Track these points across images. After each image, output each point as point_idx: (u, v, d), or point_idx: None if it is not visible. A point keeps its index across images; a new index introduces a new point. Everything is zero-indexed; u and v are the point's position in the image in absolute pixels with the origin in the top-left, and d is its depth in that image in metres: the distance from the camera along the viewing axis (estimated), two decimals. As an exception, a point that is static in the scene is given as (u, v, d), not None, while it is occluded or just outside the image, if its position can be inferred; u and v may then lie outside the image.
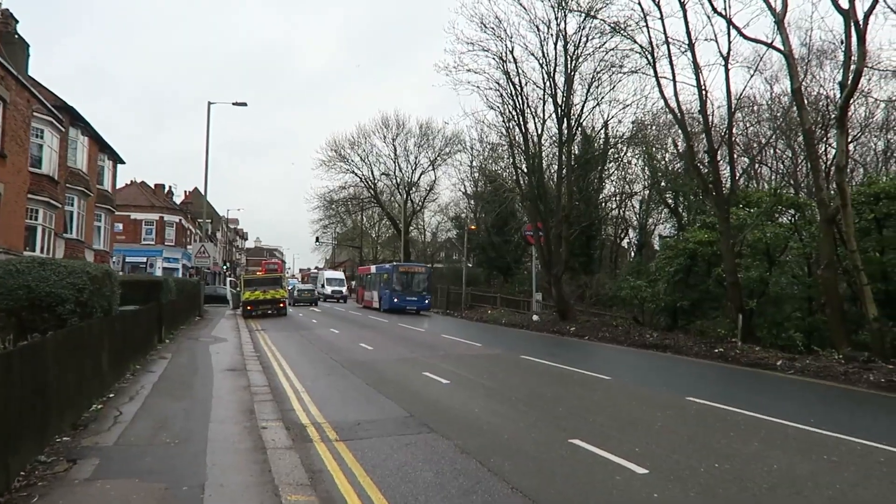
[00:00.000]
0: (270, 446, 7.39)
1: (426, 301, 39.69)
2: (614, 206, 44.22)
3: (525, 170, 32.36)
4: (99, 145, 32.68)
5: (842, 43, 18.05)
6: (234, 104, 33.00)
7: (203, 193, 34.76)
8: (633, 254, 47.51)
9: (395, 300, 38.58)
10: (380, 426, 8.77)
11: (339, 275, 63.44)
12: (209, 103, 32.39)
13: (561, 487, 6.21)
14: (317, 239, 73.94)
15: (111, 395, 10.14)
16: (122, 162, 38.27)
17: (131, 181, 56.95)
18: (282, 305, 34.18)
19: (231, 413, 9.25)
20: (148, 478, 6.15)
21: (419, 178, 61.12)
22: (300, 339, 22.08)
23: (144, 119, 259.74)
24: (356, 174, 61.43)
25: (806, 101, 20.66)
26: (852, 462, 7.26)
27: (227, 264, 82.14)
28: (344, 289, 58.80)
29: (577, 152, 34.74)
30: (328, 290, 56.90)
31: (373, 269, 48.05)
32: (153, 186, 60.09)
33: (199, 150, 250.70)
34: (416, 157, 60.46)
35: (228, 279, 63.64)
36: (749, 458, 7.37)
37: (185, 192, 74.91)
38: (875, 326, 15.96)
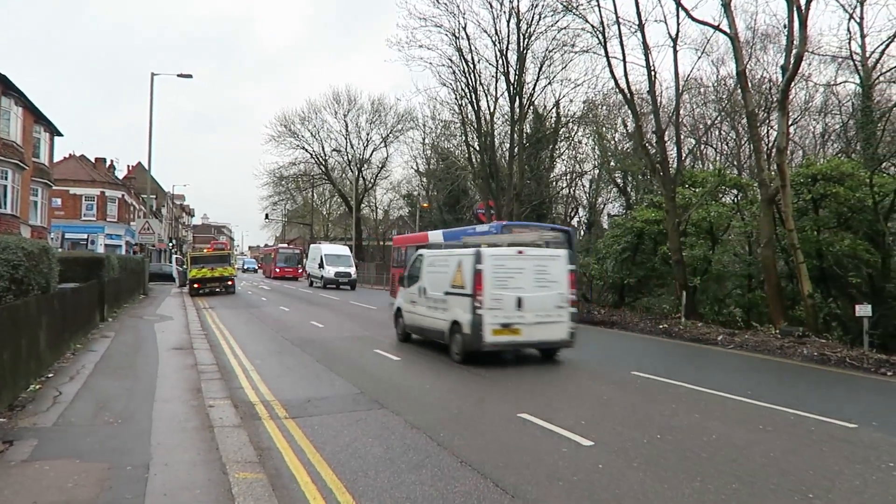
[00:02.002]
0: (218, 424, 7.29)
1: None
2: (565, 184, 44.70)
3: (477, 147, 32.45)
4: (35, 116, 31.26)
5: (785, 27, 18.55)
6: (178, 76, 32.03)
7: (147, 168, 33.68)
8: (582, 232, 48.24)
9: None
10: (330, 403, 8.75)
11: (344, 250, 43.35)
12: (152, 74, 31.27)
13: (509, 460, 6.32)
14: (266, 216, 72.66)
15: (50, 376, 9.82)
16: (60, 134, 36.78)
17: (70, 154, 54.65)
18: (230, 283, 33.57)
19: (177, 392, 9.08)
20: (89, 458, 6.00)
21: (371, 155, 60.59)
22: (249, 317, 21.76)
23: (98, 93, 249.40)
24: (307, 150, 60.51)
25: (750, 84, 21.19)
26: (785, 431, 7.60)
27: (173, 241, 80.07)
28: (353, 270, 40.66)
29: (528, 131, 34.97)
30: (329, 271, 39.52)
31: (438, 237, 25.36)
32: (93, 160, 57.80)
33: (161, 124, 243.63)
34: (367, 134, 59.86)
35: (174, 256, 62.10)
36: (689, 428, 7.63)
37: (129, 166, 72.42)
38: (809, 303, 16.66)
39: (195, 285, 31.92)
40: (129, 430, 7.06)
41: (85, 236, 49.79)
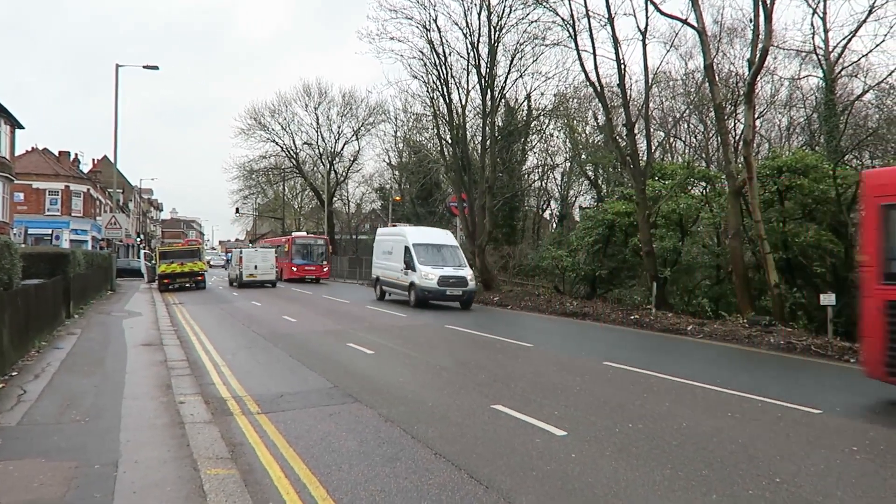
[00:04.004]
0: (189, 421, 7.20)
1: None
2: (537, 177, 44.94)
3: (449, 140, 32.34)
4: (-6, 108, 30.41)
5: (751, 21, 18.85)
6: (144, 67, 31.32)
7: (113, 162, 33.02)
8: (554, 225, 48.58)
9: None
10: (303, 398, 8.69)
11: (444, 235, 26.19)
12: (117, 66, 30.61)
13: (483, 451, 6.35)
14: (237, 210, 71.71)
15: (14, 374, 9.59)
16: (21, 127, 35.87)
17: (33, 148, 53.23)
18: (200, 278, 33.08)
19: (146, 388, 8.94)
20: (55, 457, 5.88)
21: (342, 148, 60.04)
22: (220, 312, 21.50)
23: (75, 87, 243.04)
24: (277, 143, 59.70)
25: (717, 78, 21.48)
26: (753, 418, 7.76)
27: (141, 236, 78.70)
28: (469, 274, 23.68)
29: (500, 124, 34.97)
30: (429, 275, 22.47)
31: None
32: (57, 154, 56.45)
33: (125, 117, 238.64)
34: (339, 127, 59.25)
35: (142, 251, 61.00)
36: (660, 417, 7.74)
37: (94, 160, 70.93)
38: (776, 292, 16.99)
39: (164, 281, 31.41)
40: (97, 427, 6.93)
41: (49, 231, 48.63)
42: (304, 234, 48.03)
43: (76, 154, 60.74)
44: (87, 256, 24.87)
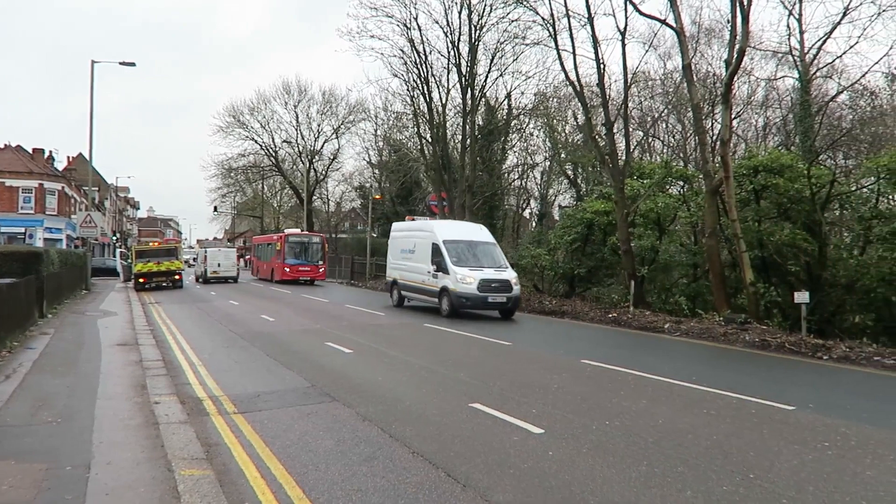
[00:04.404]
0: (164, 421, 7.12)
1: None
2: (516, 176, 45.02)
3: (429, 139, 32.37)
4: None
5: (728, 22, 19.04)
6: (120, 63, 30.90)
7: (88, 159, 32.52)
8: (534, 223, 48.73)
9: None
10: (280, 397, 8.63)
11: (479, 230, 22.10)
12: (92, 62, 30.12)
13: (460, 450, 6.35)
14: (215, 209, 71.06)
15: (-16, 375, 9.41)
16: (-7, 123, 35.13)
17: (6, 145, 52.28)
18: (178, 277, 32.73)
19: (121, 389, 8.82)
20: (26, 459, 5.77)
21: (322, 147, 59.67)
22: (198, 311, 21.28)
23: (50, 84, 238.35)
24: (256, 141, 59.20)
25: (695, 78, 21.68)
26: (728, 414, 7.84)
27: (117, 235, 77.64)
28: (514, 277, 19.68)
29: (480, 123, 35.04)
30: (466, 279, 18.82)
31: None
32: (31, 151, 55.45)
33: (102, 115, 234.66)
34: (319, 125, 58.86)
35: (118, 250, 60.16)
36: (637, 414, 7.80)
37: (69, 157, 69.79)
38: (751, 290, 17.21)
39: (140, 280, 31.03)
40: (70, 429, 6.82)
41: (22, 230, 47.80)
42: (298, 230, 44.32)
43: (50, 151, 59.71)
44: (62, 255, 24.50)
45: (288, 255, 37.47)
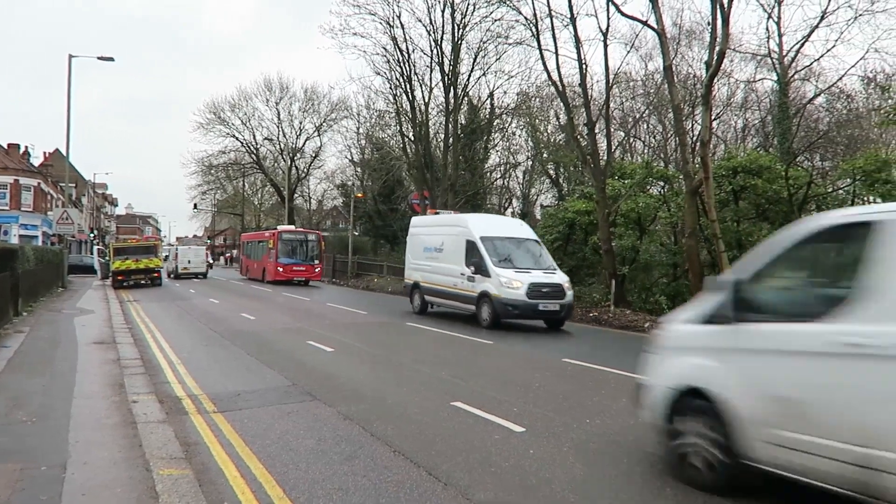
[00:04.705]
0: (141, 420, 7.03)
1: None
2: (499, 175, 45.16)
3: (412, 138, 32.35)
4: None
5: (709, 24, 19.19)
6: (98, 58, 30.45)
7: (65, 155, 32.06)
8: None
9: None
10: (261, 396, 8.57)
11: (519, 226, 19.94)
12: (70, 56, 29.68)
13: (442, 448, 6.35)
14: (195, 206, 70.39)
15: (-43, 373, 9.25)
16: (-32, 118, 34.49)
17: (-20, 140, 51.46)
18: (157, 275, 32.40)
19: (98, 388, 8.70)
20: (0, 459, 5.67)
21: (304, 144, 59.40)
22: (177, 309, 21.07)
23: (26, 78, 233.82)
24: (237, 138, 58.81)
25: (676, 79, 21.87)
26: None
27: (95, 232, 76.63)
28: (567, 282, 17.08)
29: (463, 122, 35.09)
30: (513, 284, 16.17)
31: None
32: (6, 146, 54.50)
33: (80, 111, 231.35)
34: (300, 123, 58.61)
35: (96, 247, 59.39)
36: (617, 413, 7.85)
37: (45, 153, 68.69)
38: (730, 290, 17.35)
39: (119, 277, 30.65)
40: (45, 428, 6.72)
41: (-2, 226, 47.04)
42: (293, 227, 42.23)
43: (27, 147, 58.72)
44: (37, 252, 24.14)
45: (281, 253, 35.04)
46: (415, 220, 22.39)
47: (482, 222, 18.94)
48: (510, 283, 15.97)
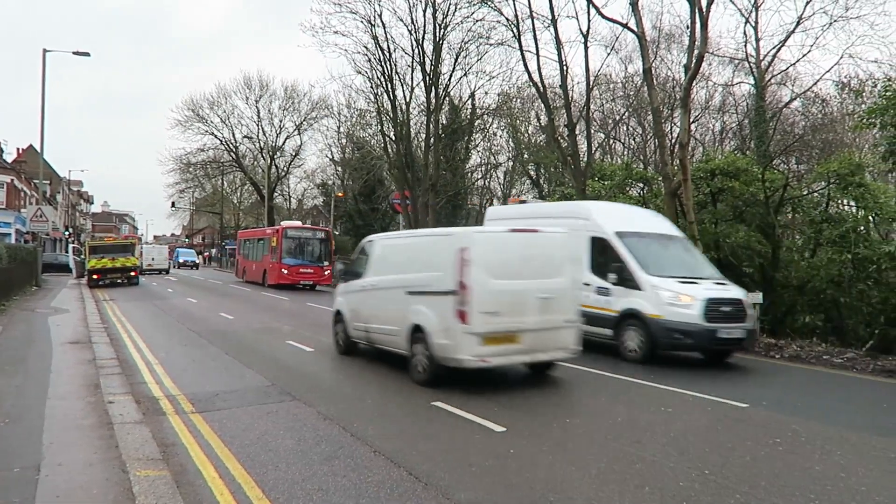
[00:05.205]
0: (118, 421, 6.94)
1: None
2: (480, 176, 45.23)
3: (393, 137, 32.23)
4: None
5: (688, 28, 19.38)
6: (74, 53, 29.99)
7: (39, 151, 31.54)
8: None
9: None
10: (239, 396, 8.50)
11: (661, 221, 14.30)
12: (44, 51, 29.23)
13: (423, 448, 6.34)
14: (173, 204, 69.51)
15: (-73, 374, 9.06)
16: (-61, 113, 33.79)
17: (-49, 136, 50.41)
18: (134, 274, 31.98)
19: (73, 388, 8.57)
20: (-28, 461, 5.57)
21: (284, 143, 58.89)
22: (154, 309, 20.81)
23: (4, 72, 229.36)
24: (216, 136, 58.12)
25: (655, 82, 22.06)
26: (685, 412, 8.01)
27: (70, 230, 75.44)
28: (746, 297, 11.97)
29: (444, 122, 35.04)
30: (681, 300, 11.12)
31: None
32: (-22, 142, 53.41)
33: (56, 107, 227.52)
34: (280, 121, 58.05)
35: (71, 246, 58.46)
36: (597, 412, 7.91)
37: (18, 149, 67.47)
38: (708, 291, 17.53)
39: (94, 276, 30.20)
40: (19, 429, 6.61)
41: (-31, 224, 46.07)
42: (299, 223, 38.00)
43: (-1, 142, 57.64)
44: (11, 250, 23.70)
45: (286, 253, 30.38)
46: (491, 211, 17.63)
47: (613, 213, 14.12)
48: (676, 299, 11.15)
